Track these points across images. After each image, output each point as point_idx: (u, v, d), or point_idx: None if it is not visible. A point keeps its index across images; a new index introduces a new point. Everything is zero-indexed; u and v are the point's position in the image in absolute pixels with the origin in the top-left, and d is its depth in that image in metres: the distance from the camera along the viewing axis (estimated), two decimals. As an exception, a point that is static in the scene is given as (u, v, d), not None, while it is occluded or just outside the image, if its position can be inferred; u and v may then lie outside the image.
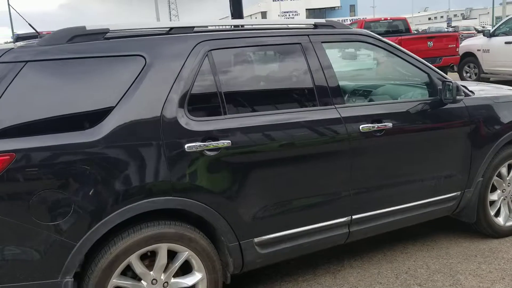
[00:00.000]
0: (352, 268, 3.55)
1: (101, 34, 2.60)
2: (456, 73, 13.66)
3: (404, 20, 15.03)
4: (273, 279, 3.46)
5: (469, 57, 12.99)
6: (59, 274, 2.37)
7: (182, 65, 2.68)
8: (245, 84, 2.94)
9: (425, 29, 52.87)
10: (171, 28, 2.80)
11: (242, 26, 3.08)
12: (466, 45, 13.46)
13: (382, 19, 14.68)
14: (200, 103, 2.74)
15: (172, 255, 2.68)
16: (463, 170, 3.56)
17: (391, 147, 3.24)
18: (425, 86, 3.51)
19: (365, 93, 3.57)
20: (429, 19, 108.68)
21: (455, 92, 3.26)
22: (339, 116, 3.02)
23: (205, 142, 2.62)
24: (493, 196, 3.82)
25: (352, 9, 77.36)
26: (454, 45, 12.74)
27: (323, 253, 3.73)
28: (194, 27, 2.84)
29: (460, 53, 13.12)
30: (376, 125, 3.12)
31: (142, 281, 2.59)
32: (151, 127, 2.53)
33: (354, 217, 3.16)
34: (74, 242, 2.37)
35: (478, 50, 12.78)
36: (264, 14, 74.93)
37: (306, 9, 74.64)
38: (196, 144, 2.59)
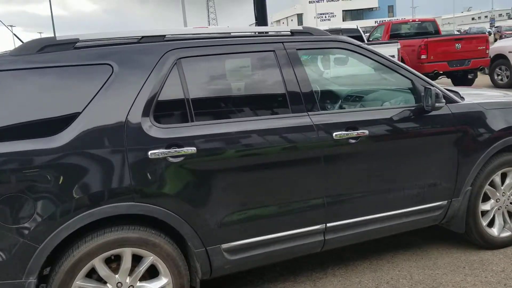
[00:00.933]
0: (335, 276, 3.52)
1: (70, 44, 2.70)
2: (488, 76, 13.25)
3: (433, 22, 14.67)
4: (254, 284, 3.47)
5: (501, 59, 12.57)
6: (23, 274, 2.47)
7: (149, 73, 2.73)
8: (214, 91, 2.97)
9: (466, 30, 51.45)
10: (142, 37, 2.86)
11: (217, 33, 3.10)
12: (497, 46, 13.03)
13: (410, 20, 14.38)
14: (167, 110, 2.79)
15: (139, 259, 2.73)
16: (449, 178, 3.46)
17: (369, 155, 3.19)
18: (410, 93, 3.44)
19: (346, 99, 3.53)
20: (473, 19, 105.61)
21: (434, 99, 3.19)
22: (311, 123, 3.01)
23: (169, 149, 2.67)
24: (486, 206, 3.70)
25: (391, 10, 76.05)
26: (484, 47, 12.34)
27: (310, 260, 3.72)
28: (165, 35, 2.89)
29: (491, 55, 12.71)
30: (351, 132, 3.08)
31: (108, 284, 2.66)
32: (115, 134, 2.60)
33: (329, 225, 3.13)
34: (36, 245, 2.46)
35: (510, 52, 12.35)
36: (300, 16, 74.77)
37: (343, 11, 73.98)
38: (160, 151, 2.64)
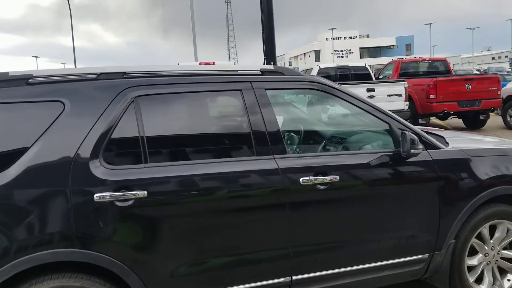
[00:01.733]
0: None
1: (23, 80, 2.60)
2: (500, 117, 12.95)
3: (444, 61, 14.53)
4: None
5: (513, 101, 12.31)
6: None
7: (103, 111, 2.61)
8: (172, 132, 2.83)
9: (485, 69, 51.14)
10: (100, 73, 2.75)
11: (182, 71, 2.97)
12: (509, 88, 12.77)
13: (420, 59, 14.26)
14: (119, 150, 2.65)
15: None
16: (430, 230, 3.22)
17: (340, 203, 2.99)
18: (387, 137, 3.26)
19: (319, 143, 3.35)
20: (493, 58, 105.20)
21: (409, 145, 2.99)
22: (276, 167, 2.83)
23: (117, 192, 2.51)
24: (472, 261, 3.43)
25: (408, 48, 76.29)
26: (495, 88, 12.10)
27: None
28: (124, 72, 2.78)
29: (503, 96, 12.45)
30: (319, 178, 2.89)
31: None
32: (60, 174, 2.46)
33: (294, 277, 2.91)
34: None
35: (522, 93, 12.09)
36: (317, 53, 75.40)
37: (360, 48, 74.44)
38: (107, 194, 2.49)
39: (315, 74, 13.20)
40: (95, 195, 2.47)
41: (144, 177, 2.58)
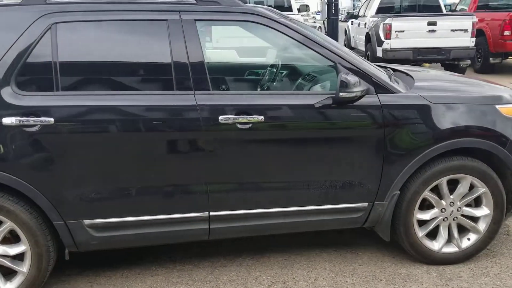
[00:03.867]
0: (240, 266, 3.30)
1: None
2: None
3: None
4: (161, 259, 3.38)
5: None
6: None
7: (18, 36, 2.66)
8: (88, 61, 2.81)
9: None
10: None
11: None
12: None
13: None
14: (32, 77, 2.71)
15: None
16: (369, 179, 3.03)
17: (264, 144, 2.88)
18: (331, 78, 3.01)
19: (256, 80, 3.17)
20: None
21: (338, 88, 2.75)
22: (194, 103, 2.76)
23: (25, 117, 2.61)
24: (424, 215, 3.19)
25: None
26: None
27: (230, 245, 3.54)
28: (47, -2, 2.78)
29: None
30: (241, 117, 2.78)
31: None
32: None
33: (212, 213, 2.91)
34: None
35: None
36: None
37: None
38: (14, 118, 2.59)
39: (377, 4, 12.27)
40: (3, 119, 2.59)
41: (52, 104, 2.65)
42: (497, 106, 3.17)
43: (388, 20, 10.11)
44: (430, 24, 9.98)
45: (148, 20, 2.83)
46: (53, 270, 3.03)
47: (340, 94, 2.75)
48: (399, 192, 3.07)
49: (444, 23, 9.99)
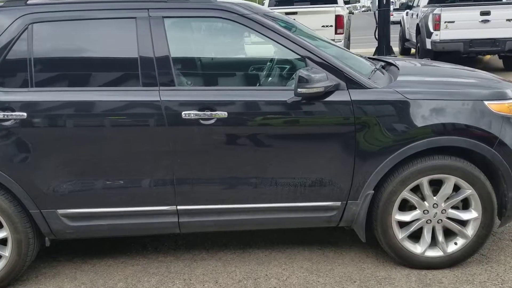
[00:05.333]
0: (218, 260, 3.33)
1: None
2: None
3: None
4: (147, 249, 3.50)
5: None
6: None
7: None
8: (62, 58, 2.94)
9: None
10: (6, 1, 2.96)
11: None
12: None
13: None
14: (10, 74, 2.88)
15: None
16: (341, 178, 2.94)
17: (228, 140, 2.89)
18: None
19: (225, 75, 3.15)
20: None
21: (296, 84, 2.69)
22: (158, 99, 2.82)
23: (1, 112, 2.79)
24: (404, 217, 3.05)
25: None
26: None
27: (218, 238, 3.60)
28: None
29: None
30: (204, 112, 2.81)
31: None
32: None
33: (180, 207, 2.97)
34: None
35: None
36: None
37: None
38: None
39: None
40: None
41: (25, 99, 2.82)
42: (486, 102, 2.95)
43: (437, 10, 9.64)
44: (483, 13, 9.39)
45: (118, 18, 2.92)
46: (46, 255, 3.24)
47: (298, 90, 2.69)
48: (373, 191, 2.96)
49: (499, 12, 9.35)
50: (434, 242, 3.10)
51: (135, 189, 2.94)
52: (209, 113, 2.81)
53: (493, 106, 2.95)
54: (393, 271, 3.13)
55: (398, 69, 3.34)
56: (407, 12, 13.79)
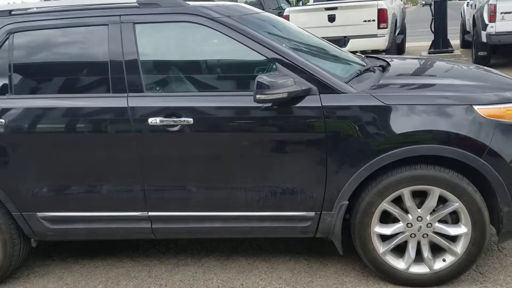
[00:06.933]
0: (200, 267, 3.30)
1: None
2: None
3: None
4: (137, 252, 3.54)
5: None
6: None
7: None
8: (39, 65, 3.03)
9: None
10: (-8, 14, 3.09)
11: (61, 6, 3.10)
12: None
13: None
14: None
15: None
16: (313, 187, 2.80)
17: (195, 147, 2.83)
18: None
19: (192, 82, 3.06)
20: None
21: (255, 90, 2.57)
22: (126, 105, 2.83)
23: None
24: (384, 230, 2.84)
25: None
26: None
27: (214, 244, 3.58)
28: (12, 10, 3.06)
29: None
30: (169, 119, 2.78)
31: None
32: None
33: (151, 213, 2.96)
34: None
35: None
36: None
37: None
38: None
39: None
40: None
41: (4, 106, 2.92)
42: (476, 107, 2.68)
43: (492, 1, 8.96)
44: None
45: (92, 26, 2.96)
46: (44, 254, 3.38)
47: (257, 96, 2.57)
48: (347, 202, 2.79)
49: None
50: (421, 258, 2.88)
51: (107, 194, 2.97)
52: (174, 119, 2.77)
53: (484, 111, 2.68)
54: (375, 287, 2.93)
55: (385, 70, 3.13)
56: (468, 2, 12.95)
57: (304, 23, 9.34)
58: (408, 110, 2.68)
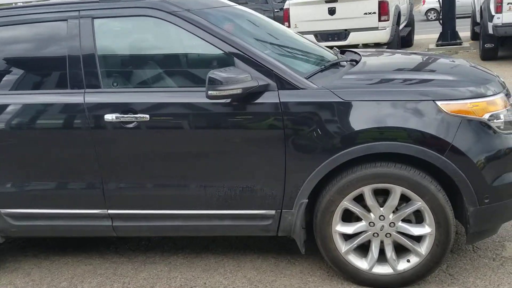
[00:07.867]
0: (168, 264, 3.26)
1: None
2: None
3: None
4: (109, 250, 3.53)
5: None
6: None
7: None
8: (5, 62, 3.01)
9: None
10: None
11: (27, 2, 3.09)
12: None
13: None
14: None
15: None
16: (272, 185, 2.73)
17: (152, 144, 2.79)
18: None
19: (150, 77, 3.00)
20: None
21: (206, 86, 2.50)
22: (82, 101, 2.79)
23: None
24: (345, 229, 2.76)
25: None
26: None
27: (186, 242, 3.54)
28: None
29: None
30: (125, 116, 2.73)
31: None
32: None
33: (111, 211, 2.93)
34: None
35: None
36: None
37: None
38: None
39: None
40: None
41: None
42: (439, 103, 2.58)
43: (498, -9, 8.71)
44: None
45: (52, 21, 2.93)
46: (20, 250, 3.46)
47: (209, 93, 2.51)
48: (307, 200, 2.71)
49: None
50: (385, 258, 2.79)
51: (67, 191, 2.96)
52: (130, 116, 2.73)
53: (447, 106, 2.57)
54: (338, 287, 2.86)
55: (354, 63, 3.03)
56: (479, -7, 12.63)
57: (305, 16, 9.24)
58: (367, 106, 2.59)
